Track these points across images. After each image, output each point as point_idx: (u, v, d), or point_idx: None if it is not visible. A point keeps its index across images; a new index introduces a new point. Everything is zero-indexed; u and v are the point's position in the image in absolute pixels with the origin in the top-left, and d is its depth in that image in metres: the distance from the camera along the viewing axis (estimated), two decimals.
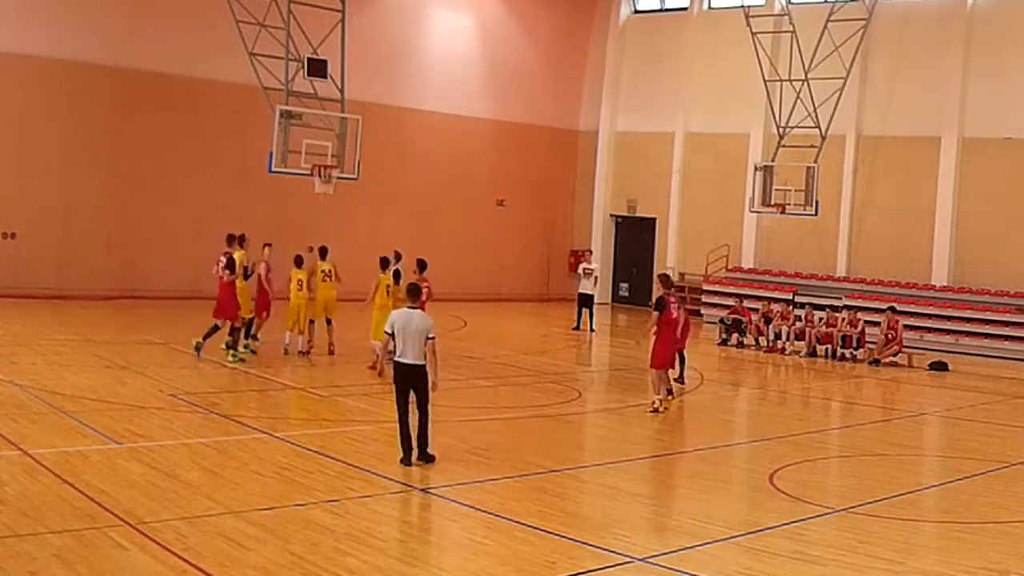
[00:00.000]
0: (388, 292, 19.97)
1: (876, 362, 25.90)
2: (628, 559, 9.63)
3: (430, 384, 12.91)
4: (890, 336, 26.34)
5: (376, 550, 9.66)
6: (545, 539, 10.15)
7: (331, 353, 21.52)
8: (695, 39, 38.13)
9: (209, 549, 9.26)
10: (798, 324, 27.77)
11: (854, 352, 26.67)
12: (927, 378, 25.07)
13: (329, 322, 21.81)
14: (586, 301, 29.87)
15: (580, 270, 30.56)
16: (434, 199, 36.45)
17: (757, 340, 28.38)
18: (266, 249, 21.50)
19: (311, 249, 22.53)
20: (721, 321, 29.61)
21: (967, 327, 29.80)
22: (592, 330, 29.54)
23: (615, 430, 17.40)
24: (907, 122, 32.82)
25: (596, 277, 30.79)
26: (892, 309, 26.90)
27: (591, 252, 33.98)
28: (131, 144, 29.76)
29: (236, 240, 20.85)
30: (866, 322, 27.43)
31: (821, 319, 27.80)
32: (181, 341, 20.70)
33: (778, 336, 27.93)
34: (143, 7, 29.39)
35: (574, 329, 29.80)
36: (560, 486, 12.57)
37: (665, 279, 18.70)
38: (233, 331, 20.17)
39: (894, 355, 26.39)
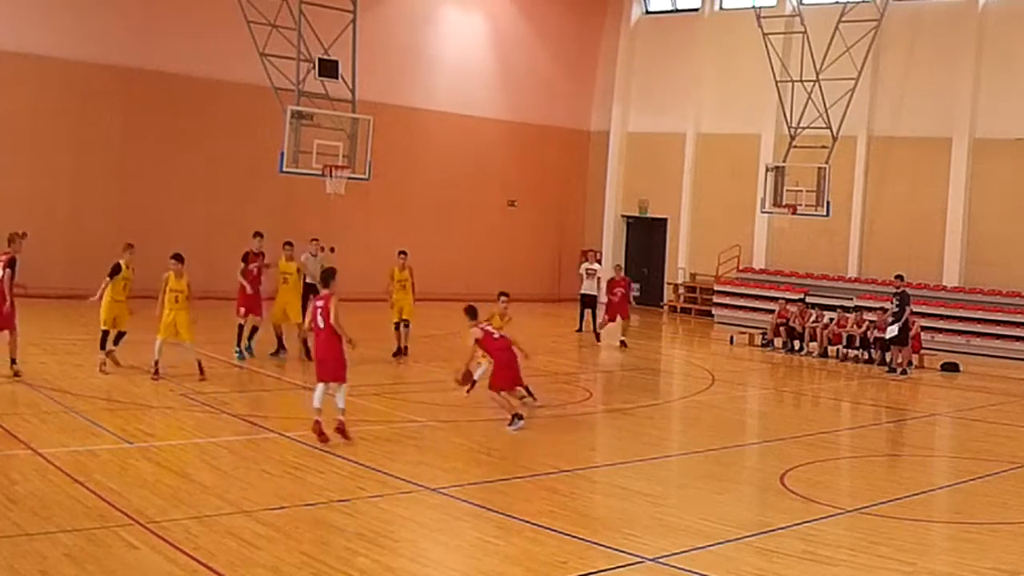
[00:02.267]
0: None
1: (892, 370, 25.13)
2: (639, 559, 9.62)
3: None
4: (889, 320, 25.58)
5: (387, 550, 9.66)
6: (556, 539, 10.14)
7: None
8: (706, 40, 38.11)
9: (220, 548, 9.27)
10: (831, 326, 27.38)
11: (869, 352, 26.40)
12: (938, 379, 25.01)
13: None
14: (589, 302, 29.72)
15: (583, 270, 30.28)
16: (445, 199, 36.50)
17: (792, 343, 28.02)
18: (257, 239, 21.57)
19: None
20: (763, 337, 29.22)
21: (978, 328, 29.73)
22: (596, 331, 29.42)
23: (626, 430, 17.37)
24: (918, 123, 32.79)
25: (599, 278, 30.60)
26: (904, 293, 25.50)
27: (594, 252, 33.82)
28: (142, 144, 29.85)
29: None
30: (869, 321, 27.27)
31: (832, 319, 27.73)
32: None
33: (800, 337, 27.75)
34: (154, 8, 29.48)
35: (577, 331, 29.67)
36: (571, 486, 12.55)
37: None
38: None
39: (910, 358, 25.74)
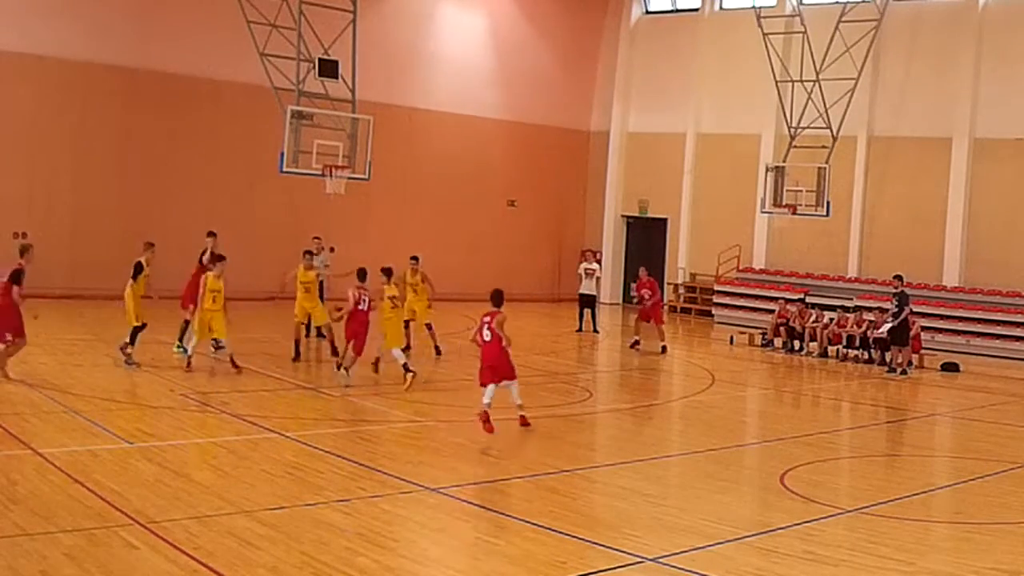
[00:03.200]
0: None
1: (892, 370, 25.04)
2: (639, 559, 9.62)
3: None
4: (887, 320, 25.60)
5: (387, 550, 9.66)
6: (556, 539, 10.15)
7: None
8: (706, 40, 38.10)
9: (220, 548, 9.27)
10: (831, 326, 27.34)
11: (869, 352, 26.38)
12: (938, 379, 25.00)
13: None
14: (588, 302, 29.72)
15: (581, 270, 30.29)
16: (445, 199, 36.50)
17: (792, 343, 28.00)
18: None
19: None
20: (763, 336, 29.20)
21: (978, 328, 29.73)
22: (596, 331, 29.43)
23: (626, 430, 17.40)
24: (918, 123, 32.77)
25: (598, 278, 30.63)
26: (902, 294, 25.37)
27: (592, 252, 33.77)
28: (142, 144, 29.84)
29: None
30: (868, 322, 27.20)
31: (832, 319, 27.73)
32: None
33: (799, 337, 27.77)
34: (154, 8, 29.48)
35: (577, 331, 29.67)
36: (571, 486, 12.56)
37: None
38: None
39: (910, 358, 25.67)
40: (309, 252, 22.13)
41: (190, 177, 30.70)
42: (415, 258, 22.97)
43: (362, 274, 19.07)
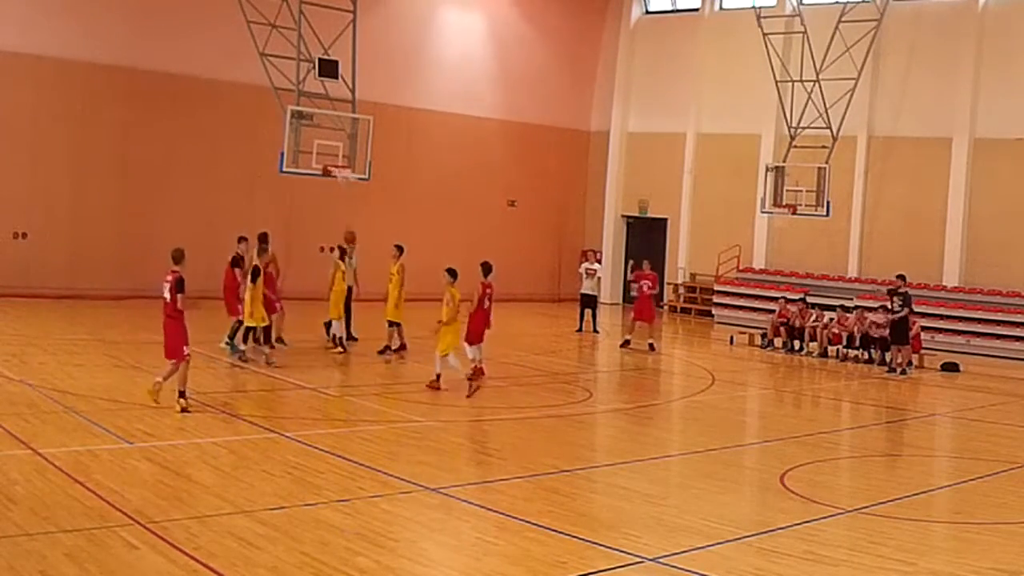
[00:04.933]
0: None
1: (892, 370, 25.07)
2: (639, 559, 9.62)
3: None
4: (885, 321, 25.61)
5: (387, 550, 9.66)
6: (556, 539, 10.15)
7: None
8: (706, 40, 38.08)
9: (220, 548, 9.27)
10: (832, 325, 27.35)
11: (869, 352, 26.38)
12: (938, 379, 25.00)
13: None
14: (588, 302, 29.71)
15: (582, 270, 30.29)
16: (445, 199, 36.47)
17: (792, 343, 28.01)
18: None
19: (332, 250, 22.97)
20: (763, 336, 29.17)
21: (978, 328, 29.71)
22: (596, 331, 29.41)
23: (626, 430, 17.39)
24: (919, 123, 32.75)
25: (599, 278, 30.66)
26: (903, 284, 25.52)
27: (593, 252, 33.67)
28: (142, 144, 29.79)
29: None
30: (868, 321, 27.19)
31: (832, 319, 27.72)
32: (191, 341, 20.67)
33: (800, 337, 27.77)
34: (154, 8, 29.43)
35: (577, 331, 29.65)
36: (571, 486, 12.56)
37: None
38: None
39: (910, 357, 25.71)
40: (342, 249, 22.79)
41: (190, 177, 30.65)
42: (396, 246, 22.49)
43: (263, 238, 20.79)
